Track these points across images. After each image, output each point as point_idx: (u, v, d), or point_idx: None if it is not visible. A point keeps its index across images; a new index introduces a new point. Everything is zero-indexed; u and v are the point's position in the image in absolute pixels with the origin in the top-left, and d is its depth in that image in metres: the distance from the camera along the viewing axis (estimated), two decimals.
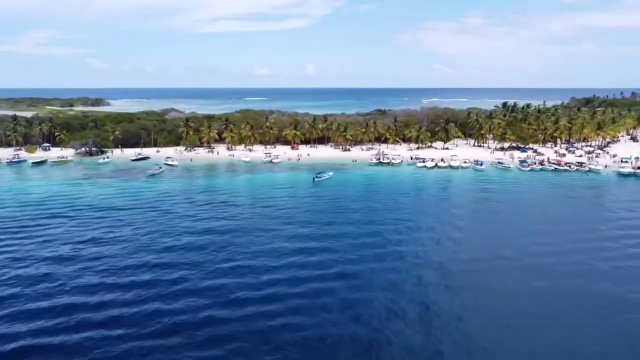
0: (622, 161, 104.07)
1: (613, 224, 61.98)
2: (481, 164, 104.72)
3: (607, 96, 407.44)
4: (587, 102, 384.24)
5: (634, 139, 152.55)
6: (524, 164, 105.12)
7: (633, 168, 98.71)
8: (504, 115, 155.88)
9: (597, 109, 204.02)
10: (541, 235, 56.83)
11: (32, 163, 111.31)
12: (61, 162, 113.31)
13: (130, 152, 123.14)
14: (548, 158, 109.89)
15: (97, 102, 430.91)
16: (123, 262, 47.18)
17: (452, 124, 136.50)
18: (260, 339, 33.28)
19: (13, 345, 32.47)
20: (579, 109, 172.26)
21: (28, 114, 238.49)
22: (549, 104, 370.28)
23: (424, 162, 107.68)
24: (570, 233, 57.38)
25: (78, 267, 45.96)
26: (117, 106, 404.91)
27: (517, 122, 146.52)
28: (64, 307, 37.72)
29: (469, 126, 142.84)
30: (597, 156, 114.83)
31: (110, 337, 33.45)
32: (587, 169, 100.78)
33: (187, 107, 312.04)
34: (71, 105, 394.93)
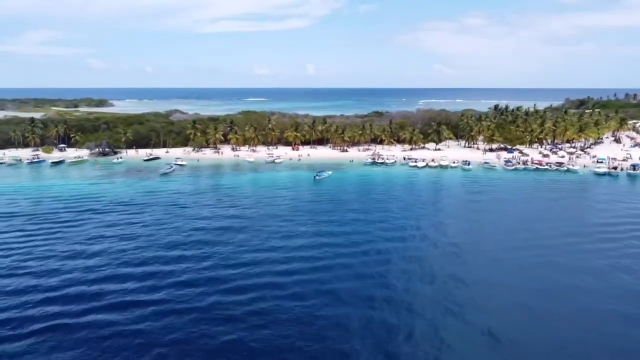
0: (597, 162, 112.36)
1: (575, 221, 70.29)
2: (468, 164, 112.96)
3: (600, 97, 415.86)
4: (581, 103, 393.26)
5: (617, 140, 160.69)
6: (509, 163, 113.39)
7: (608, 168, 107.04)
8: (495, 118, 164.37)
9: (586, 111, 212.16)
10: (509, 229, 65.16)
11: (51, 163, 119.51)
12: (78, 162, 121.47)
13: (144, 153, 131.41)
14: (532, 158, 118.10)
15: (101, 103, 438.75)
16: (160, 243, 55.42)
17: (444, 126, 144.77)
18: (282, 298, 41.40)
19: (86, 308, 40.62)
20: (565, 112, 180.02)
21: (36, 114, 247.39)
22: (547, 104, 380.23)
23: (415, 162, 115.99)
24: (535, 229, 65.64)
25: (116, 253, 54.17)
26: (121, 107, 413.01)
27: (506, 124, 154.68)
28: (114, 281, 45.89)
29: (460, 128, 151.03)
30: (577, 157, 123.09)
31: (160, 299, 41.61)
32: (565, 168, 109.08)
33: (190, 108, 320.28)
34: (75, 106, 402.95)
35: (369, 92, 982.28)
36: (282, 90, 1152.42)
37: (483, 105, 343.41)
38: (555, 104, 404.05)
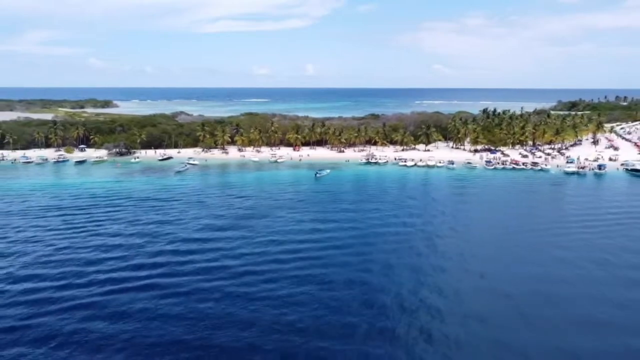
0: (567, 162, 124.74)
1: (535, 209, 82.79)
2: (453, 164, 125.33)
3: (592, 100, 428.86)
4: (573, 105, 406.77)
5: (595, 142, 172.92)
6: (489, 163, 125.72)
7: (577, 167, 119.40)
8: (482, 121, 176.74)
9: (571, 114, 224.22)
10: (480, 217, 77.57)
11: (75, 162, 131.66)
12: (99, 162, 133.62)
13: (161, 153, 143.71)
14: (510, 159, 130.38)
15: (106, 104, 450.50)
16: (188, 233, 67.60)
17: (434, 129, 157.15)
18: (289, 280, 53.53)
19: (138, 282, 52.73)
20: (548, 115, 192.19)
21: (45, 115, 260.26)
22: (544, 105, 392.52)
23: (405, 162, 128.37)
24: (501, 214, 78.07)
25: (147, 239, 66.34)
26: (125, 108, 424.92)
27: (493, 127, 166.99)
28: (149, 262, 58.06)
29: (449, 130, 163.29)
30: (553, 158, 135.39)
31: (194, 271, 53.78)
32: (539, 168, 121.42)
33: (194, 109, 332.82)
34: (81, 107, 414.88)
35: (368, 93, 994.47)
36: (282, 91, 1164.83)
37: (481, 107, 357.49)
38: (549, 105, 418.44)
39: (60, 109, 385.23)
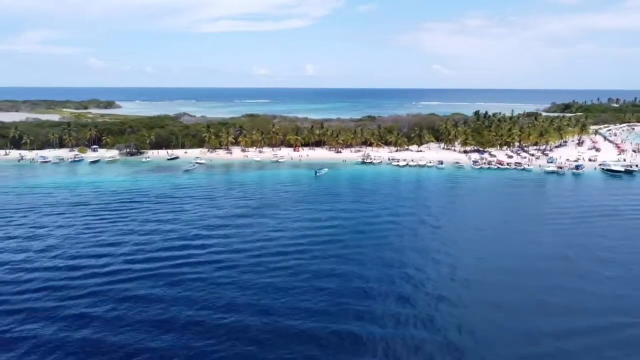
0: (548, 162, 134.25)
1: (513, 203, 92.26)
2: (442, 164, 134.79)
3: (584, 102, 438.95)
4: (566, 107, 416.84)
5: (579, 143, 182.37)
6: (476, 163, 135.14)
7: (556, 167, 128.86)
8: (473, 123, 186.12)
9: (561, 116, 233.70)
10: (464, 208, 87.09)
11: (90, 162, 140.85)
12: (112, 161, 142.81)
13: (169, 153, 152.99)
14: (496, 159, 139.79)
15: (109, 104, 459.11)
16: (203, 224, 76.84)
17: (425, 131, 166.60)
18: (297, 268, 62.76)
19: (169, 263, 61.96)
20: (535, 118, 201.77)
21: (51, 116, 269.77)
22: (543, 106, 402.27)
23: (397, 162, 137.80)
24: (481, 207, 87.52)
25: (168, 230, 75.62)
26: (128, 109, 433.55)
27: (482, 129, 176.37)
28: (169, 250, 67.33)
29: (440, 132, 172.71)
30: (537, 158, 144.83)
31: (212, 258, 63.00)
32: (522, 167, 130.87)
33: (196, 110, 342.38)
34: (85, 108, 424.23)
35: (367, 93, 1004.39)
36: (282, 91, 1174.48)
37: (478, 108, 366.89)
38: (543, 107, 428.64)
39: (64, 109, 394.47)
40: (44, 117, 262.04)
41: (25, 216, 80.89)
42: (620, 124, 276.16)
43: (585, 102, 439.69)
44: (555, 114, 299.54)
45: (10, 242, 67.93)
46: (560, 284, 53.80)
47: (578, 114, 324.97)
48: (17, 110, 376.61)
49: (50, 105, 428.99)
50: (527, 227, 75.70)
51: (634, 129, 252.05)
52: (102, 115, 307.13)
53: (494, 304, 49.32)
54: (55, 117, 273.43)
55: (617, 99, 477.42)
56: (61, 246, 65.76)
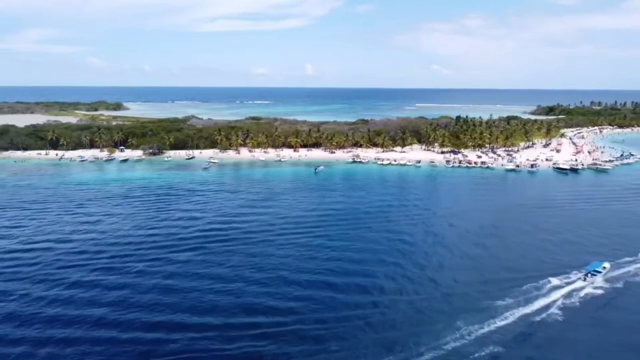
0: (508, 162, 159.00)
1: (473, 194, 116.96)
2: (419, 162, 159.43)
3: (568, 105, 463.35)
4: (550, 110, 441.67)
5: (545, 145, 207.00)
6: (449, 162, 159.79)
7: (515, 165, 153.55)
8: (452, 127, 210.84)
9: (536, 119, 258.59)
10: (433, 197, 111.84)
11: (120, 160, 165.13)
12: (139, 160, 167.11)
13: (184, 153, 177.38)
14: (466, 159, 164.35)
15: (118, 106, 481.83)
16: (227, 210, 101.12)
17: (409, 134, 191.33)
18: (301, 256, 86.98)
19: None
20: (508, 122, 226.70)
21: (66, 118, 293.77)
22: (527, 109, 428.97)
23: (382, 161, 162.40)
24: (445, 195, 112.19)
25: (203, 220, 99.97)
26: (136, 110, 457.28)
27: (461, 132, 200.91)
28: (205, 238, 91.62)
29: (422, 135, 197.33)
30: (503, 158, 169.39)
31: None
32: (486, 166, 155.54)
33: (201, 112, 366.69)
34: (95, 109, 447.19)
35: (366, 93, 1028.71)
36: (280, 91, 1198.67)
37: (473, 110, 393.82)
38: (529, 109, 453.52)
39: (76, 111, 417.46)
40: (63, 119, 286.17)
41: (94, 204, 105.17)
42: (592, 127, 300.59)
43: (569, 105, 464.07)
44: (542, 117, 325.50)
45: (111, 219, 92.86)
46: (493, 252, 78.73)
47: (560, 116, 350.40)
48: (32, 112, 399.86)
49: (62, 107, 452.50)
50: (476, 213, 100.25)
51: (601, 131, 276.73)
52: (115, 117, 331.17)
53: (440, 263, 74.29)
54: (71, 119, 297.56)
55: (599, 102, 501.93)
56: (145, 225, 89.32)
